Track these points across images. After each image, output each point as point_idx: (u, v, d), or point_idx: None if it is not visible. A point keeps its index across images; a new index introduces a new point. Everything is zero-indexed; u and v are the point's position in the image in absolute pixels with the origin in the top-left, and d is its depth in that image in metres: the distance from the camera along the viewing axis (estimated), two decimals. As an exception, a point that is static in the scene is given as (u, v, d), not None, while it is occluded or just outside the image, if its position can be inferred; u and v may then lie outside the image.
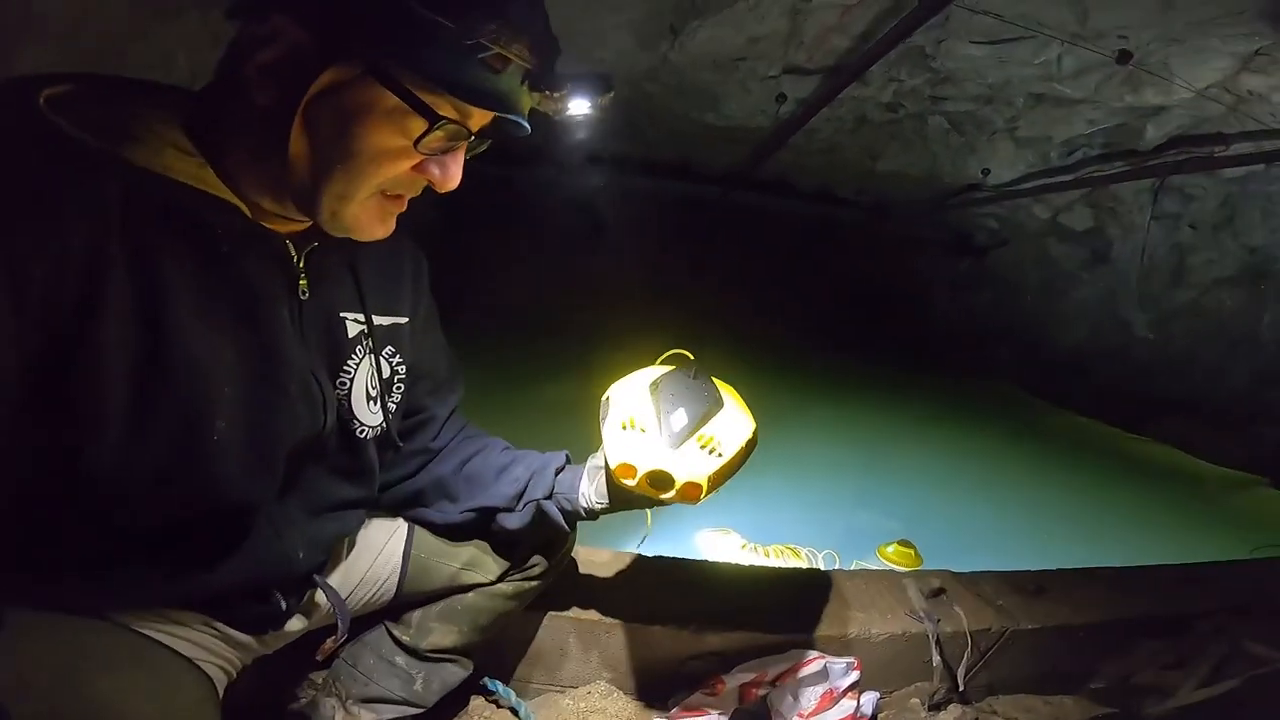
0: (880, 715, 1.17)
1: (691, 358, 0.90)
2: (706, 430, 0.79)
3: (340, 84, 0.53)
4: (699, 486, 0.76)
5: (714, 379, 0.87)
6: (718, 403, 0.83)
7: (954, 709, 1.20)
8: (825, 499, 2.81)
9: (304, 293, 0.64)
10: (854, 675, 1.10)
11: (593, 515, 0.87)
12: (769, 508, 2.47)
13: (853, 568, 1.90)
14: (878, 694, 1.16)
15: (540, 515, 0.85)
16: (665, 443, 0.77)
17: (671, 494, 0.77)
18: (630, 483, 0.77)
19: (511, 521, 0.85)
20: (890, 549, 2.28)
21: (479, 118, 0.59)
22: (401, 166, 0.57)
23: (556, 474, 0.86)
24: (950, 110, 3.53)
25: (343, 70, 0.52)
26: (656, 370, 0.88)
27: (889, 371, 5.77)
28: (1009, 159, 3.89)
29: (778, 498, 2.62)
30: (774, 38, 2.93)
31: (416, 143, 0.55)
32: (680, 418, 0.79)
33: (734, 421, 0.81)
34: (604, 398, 0.86)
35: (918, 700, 1.20)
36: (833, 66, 3.03)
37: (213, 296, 0.56)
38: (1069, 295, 5.22)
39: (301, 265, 0.63)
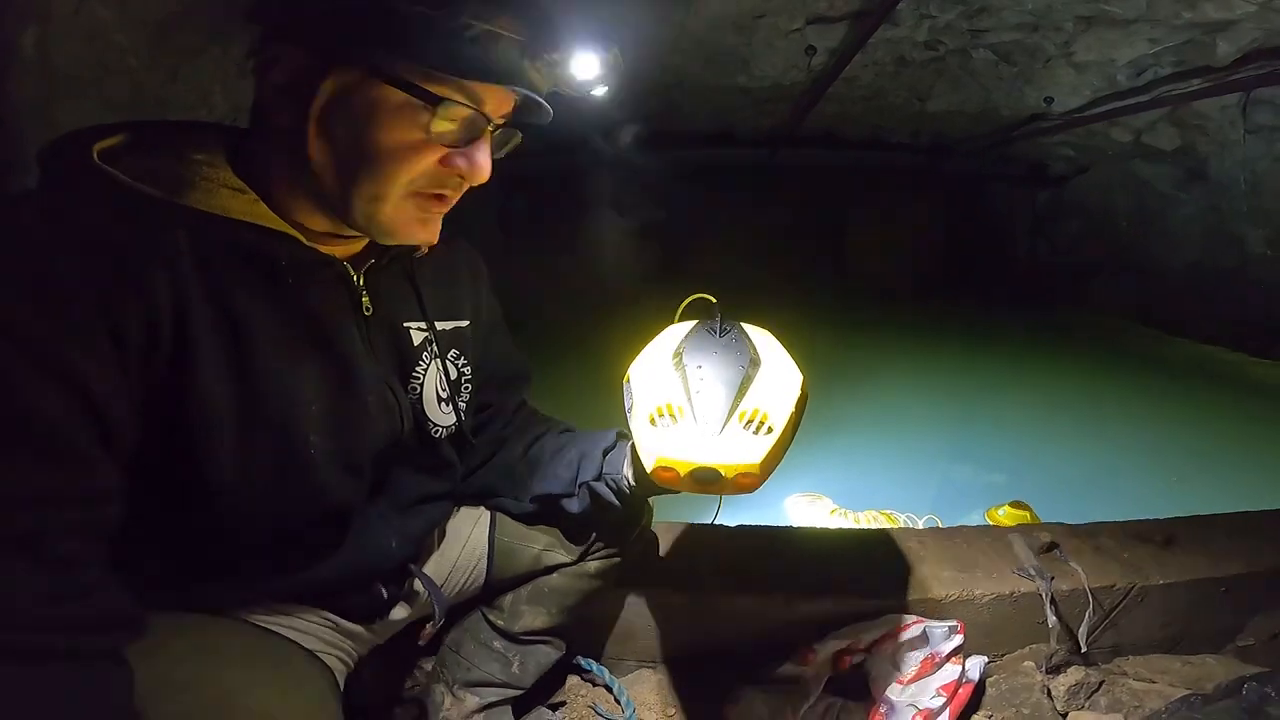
0: (989, 679, 1.12)
1: (714, 301, 0.78)
2: (749, 403, 0.64)
3: (347, 90, 0.55)
4: (754, 475, 0.62)
5: (743, 325, 0.74)
6: (754, 361, 0.68)
7: (1075, 671, 1.12)
8: (920, 458, 2.64)
9: (368, 309, 0.67)
10: (957, 639, 1.04)
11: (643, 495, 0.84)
12: (861, 470, 2.36)
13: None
14: (985, 658, 1.10)
15: (594, 497, 0.84)
16: (704, 431, 0.64)
17: (724, 488, 0.64)
18: (674, 485, 0.65)
19: (572, 506, 0.85)
20: (1001, 511, 2.04)
21: (494, 102, 0.59)
22: (425, 161, 0.58)
23: (605, 454, 0.85)
24: (994, 42, 3.32)
25: (345, 76, 0.55)
26: (678, 331, 0.75)
27: (974, 315, 5.39)
28: (1071, 85, 3.58)
29: (870, 459, 2.50)
30: (787, -13, 2.79)
31: (431, 132, 0.56)
32: (716, 394, 0.65)
33: (778, 379, 0.67)
34: (624, 381, 0.74)
35: (1032, 663, 1.13)
36: (857, 11, 2.89)
37: (287, 325, 0.60)
38: (1168, 216, 4.70)
39: (362, 284, 0.66)
